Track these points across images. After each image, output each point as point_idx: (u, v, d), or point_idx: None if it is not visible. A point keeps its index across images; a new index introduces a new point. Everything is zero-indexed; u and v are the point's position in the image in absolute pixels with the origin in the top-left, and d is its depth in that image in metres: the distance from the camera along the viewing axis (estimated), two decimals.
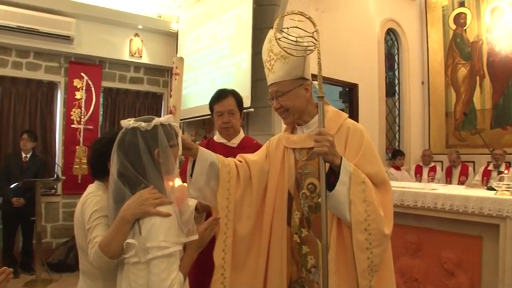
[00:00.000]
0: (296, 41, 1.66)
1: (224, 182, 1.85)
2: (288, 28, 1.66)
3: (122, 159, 1.50)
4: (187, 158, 1.96)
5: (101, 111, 6.63)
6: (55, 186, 6.08)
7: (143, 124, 1.50)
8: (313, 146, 1.61)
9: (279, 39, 1.62)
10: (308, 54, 1.72)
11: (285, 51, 1.64)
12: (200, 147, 1.86)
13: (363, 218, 1.58)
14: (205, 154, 1.84)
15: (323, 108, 1.66)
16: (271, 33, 1.83)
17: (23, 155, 5.46)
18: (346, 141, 1.76)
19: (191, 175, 1.84)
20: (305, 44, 1.68)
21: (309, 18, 1.66)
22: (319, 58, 1.65)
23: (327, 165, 1.63)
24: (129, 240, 1.44)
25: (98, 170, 1.87)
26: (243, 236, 1.87)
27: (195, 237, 1.52)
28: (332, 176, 1.63)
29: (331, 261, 1.64)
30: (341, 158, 1.61)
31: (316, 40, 1.66)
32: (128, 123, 1.53)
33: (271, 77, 1.84)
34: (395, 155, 7.27)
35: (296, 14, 1.68)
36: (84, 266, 1.81)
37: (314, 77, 1.71)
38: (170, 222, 1.44)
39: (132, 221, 1.45)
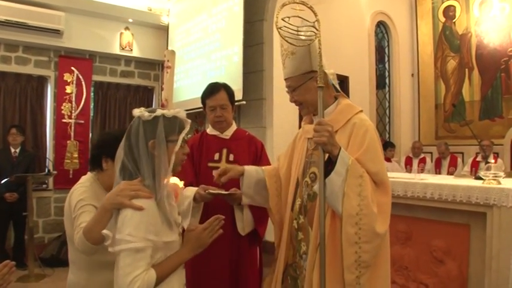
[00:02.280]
0: (297, 31, 1.67)
1: (274, 190, 2.09)
2: (289, 17, 1.66)
3: (126, 147, 1.47)
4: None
5: (91, 106, 6.60)
6: (46, 181, 6.06)
7: (146, 114, 1.46)
8: (313, 136, 1.63)
9: (280, 28, 1.63)
10: (309, 44, 1.71)
11: (286, 41, 1.66)
12: (246, 167, 2.12)
13: (355, 212, 1.57)
14: (251, 172, 2.11)
15: (321, 98, 1.67)
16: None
17: (12, 150, 5.41)
18: (350, 135, 1.75)
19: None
20: (307, 33, 1.69)
21: (310, 8, 1.67)
22: (319, 48, 1.65)
23: (326, 155, 1.64)
24: (104, 231, 1.41)
25: (93, 161, 1.94)
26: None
27: (169, 238, 1.45)
28: (330, 166, 1.63)
29: (320, 250, 1.64)
30: (340, 148, 1.61)
31: (317, 30, 1.66)
32: (136, 111, 1.49)
33: (284, 72, 1.89)
34: (385, 147, 7.34)
35: (297, 3, 1.68)
36: (72, 255, 1.85)
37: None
38: (141, 216, 1.37)
39: (111, 210, 1.43)
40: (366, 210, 1.58)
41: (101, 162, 1.92)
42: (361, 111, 1.85)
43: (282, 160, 2.15)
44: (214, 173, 2.14)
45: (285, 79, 1.89)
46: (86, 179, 1.93)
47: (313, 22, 1.67)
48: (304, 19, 1.69)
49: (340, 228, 1.62)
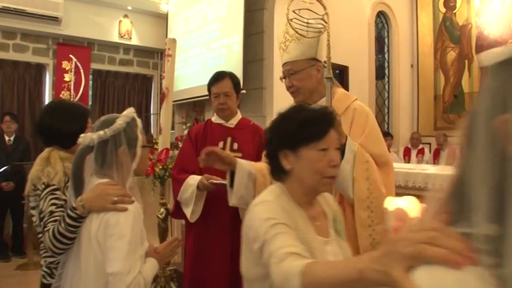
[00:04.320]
0: (307, 23, 1.68)
1: (260, 185, 1.94)
2: (299, 10, 1.68)
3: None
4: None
5: (90, 94, 6.57)
6: None
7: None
8: None
9: (291, 20, 1.66)
10: (318, 36, 1.75)
11: (297, 32, 1.68)
12: (238, 159, 1.97)
13: (366, 196, 1.64)
14: (243, 165, 1.94)
15: (331, 88, 1.69)
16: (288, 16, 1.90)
17: (7, 138, 5.34)
18: (352, 121, 1.81)
19: (231, 186, 1.95)
20: (317, 25, 1.72)
21: (319, 1, 1.69)
22: (328, 40, 1.69)
23: None
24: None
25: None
26: None
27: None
28: None
29: None
30: (346, 136, 1.66)
31: (326, 22, 1.68)
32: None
33: (285, 57, 1.90)
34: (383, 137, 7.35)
35: None
36: None
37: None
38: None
39: None
40: (376, 193, 1.65)
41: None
42: (357, 99, 1.93)
43: None
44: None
45: (285, 63, 1.90)
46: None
47: (323, 15, 1.69)
48: (314, 12, 1.70)
49: (350, 213, 1.68)
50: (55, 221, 1.54)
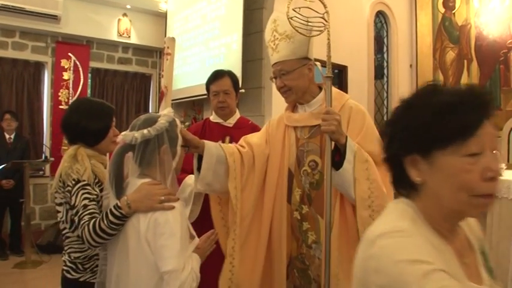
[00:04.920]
0: (307, 21, 1.67)
1: (232, 171, 1.87)
2: (299, 8, 1.66)
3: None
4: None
5: (88, 92, 6.56)
6: (43, 168, 6.03)
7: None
8: (321, 124, 1.64)
9: (291, 18, 1.64)
10: (319, 35, 1.73)
11: (297, 31, 1.66)
12: (206, 141, 1.86)
13: (367, 195, 1.63)
14: (211, 149, 1.85)
15: (331, 87, 1.68)
16: (275, 13, 1.90)
17: (7, 136, 5.37)
18: (349, 120, 1.80)
19: (198, 169, 1.86)
20: (316, 24, 1.70)
21: (321, 0, 1.67)
22: (328, 39, 1.68)
23: (333, 143, 1.66)
24: None
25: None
26: (244, 216, 1.90)
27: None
28: (336, 155, 1.67)
29: (333, 237, 1.67)
30: (346, 137, 1.65)
31: (326, 21, 1.67)
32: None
33: (275, 56, 1.85)
34: (381, 136, 7.32)
35: None
36: None
37: (318, 61, 1.73)
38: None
39: None
40: (377, 192, 1.63)
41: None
42: (349, 98, 1.91)
43: (259, 148, 1.98)
44: None
45: (275, 63, 1.86)
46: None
47: (323, 13, 1.68)
48: (314, 10, 1.69)
49: (351, 213, 1.68)
50: (90, 213, 1.58)
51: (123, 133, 1.53)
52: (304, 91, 1.88)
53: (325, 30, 1.69)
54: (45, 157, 5.57)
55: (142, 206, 1.46)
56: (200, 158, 1.84)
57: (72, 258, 1.76)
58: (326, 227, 1.61)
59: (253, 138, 2.04)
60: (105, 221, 1.48)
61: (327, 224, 1.62)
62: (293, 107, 2.00)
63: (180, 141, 1.59)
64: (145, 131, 1.49)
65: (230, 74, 2.51)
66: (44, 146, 5.94)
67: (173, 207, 1.45)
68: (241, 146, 1.98)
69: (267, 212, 1.92)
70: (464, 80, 7.52)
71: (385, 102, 8.24)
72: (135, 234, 1.46)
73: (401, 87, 8.22)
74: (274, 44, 1.84)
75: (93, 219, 1.53)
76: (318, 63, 1.85)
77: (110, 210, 1.49)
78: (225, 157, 1.86)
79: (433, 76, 7.98)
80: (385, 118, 8.23)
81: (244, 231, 1.90)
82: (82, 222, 1.56)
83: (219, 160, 1.85)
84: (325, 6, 1.67)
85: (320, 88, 1.94)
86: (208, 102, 2.74)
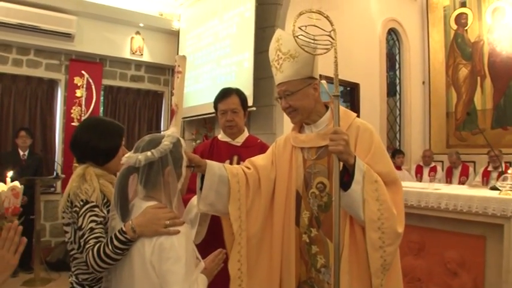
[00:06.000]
0: (314, 40, 1.64)
1: (234, 192, 1.82)
2: (305, 26, 1.64)
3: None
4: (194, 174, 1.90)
5: (101, 110, 6.61)
6: (54, 185, 6.06)
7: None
8: (329, 144, 1.60)
9: (297, 36, 1.60)
10: (325, 53, 1.69)
11: (303, 49, 1.62)
12: (208, 161, 1.82)
13: (376, 217, 1.58)
14: (213, 169, 1.81)
15: (338, 106, 1.63)
16: (278, 32, 1.86)
17: (21, 152, 5.41)
18: (356, 140, 1.75)
19: (200, 189, 1.82)
20: (323, 42, 1.66)
21: (327, 18, 1.65)
22: (335, 57, 1.63)
23: (341, 164, 1.61)
24: None
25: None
26: (252, 240, 1.86)
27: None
28: (345, 175, 1.63)
29: (343, 260, 1.63)
30: (355, 157, 1.60)
31: (333, 39, 1.64)
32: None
33: (279, 76, 1.82)
34: (394, 154, 7.26)
35: (314, 12, 1.66)
36: None
37: (328, 78, 1.70)
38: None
39: None
40: (387, 214, 1.59)
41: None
42: (356, 116, 1.86)
43: (265, 171, 1.94)
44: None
45: (280, 83, 1.82)
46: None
47: (330, 31, 1.64)
48: (321, 28, 1.66)
49: (361, 235, 1.63)
50: (96, 237, 1.54)
51: (126, 155, 1.51)
52: (310, 111, 1.83)
53: (331, 49, 1.65)
54: (57, 174, 5.59)
55: (148, 230, 1.43)
56: (203, 178, 1.80)
57: (80, 280, 1.72)
58: (335, 251, 1.56)
59: (259, 160, 1.99)
60: (110, 246, 1.45)
61: (336, 248, 1.57)
62: (299, 127, 1.96)
63: (185, 162, 1.56)
64: (149, 153, 1.46)
65: (238, 92, 2.48)
66: (55, 163, 5.98)
67: (178, 232, 1.42)
68: (247, 168, 1.95)
69: (277, 234, 1.87)
70: (478, 96, 7.44)
71: (398, 119, 8.17)
72: (140, 258, 1.43)
73: (414, 104, 8.16)
74: (278, 64, 1.81)
75: (98, 244, 1.50)
76: (324, 82, 1.81)
77: (115, 234, 1.46)
78: (228, 177, 1.82)
79: (446, 93, 7.92)
80: (398, 136, 8.15)
81: (252, 252, 1.85)
82: (87, 246, 1.52)
83: (221, 180, 1.81)
84: (331, 24, 1.64)
85: (327, 107, 1.89)
86: None
